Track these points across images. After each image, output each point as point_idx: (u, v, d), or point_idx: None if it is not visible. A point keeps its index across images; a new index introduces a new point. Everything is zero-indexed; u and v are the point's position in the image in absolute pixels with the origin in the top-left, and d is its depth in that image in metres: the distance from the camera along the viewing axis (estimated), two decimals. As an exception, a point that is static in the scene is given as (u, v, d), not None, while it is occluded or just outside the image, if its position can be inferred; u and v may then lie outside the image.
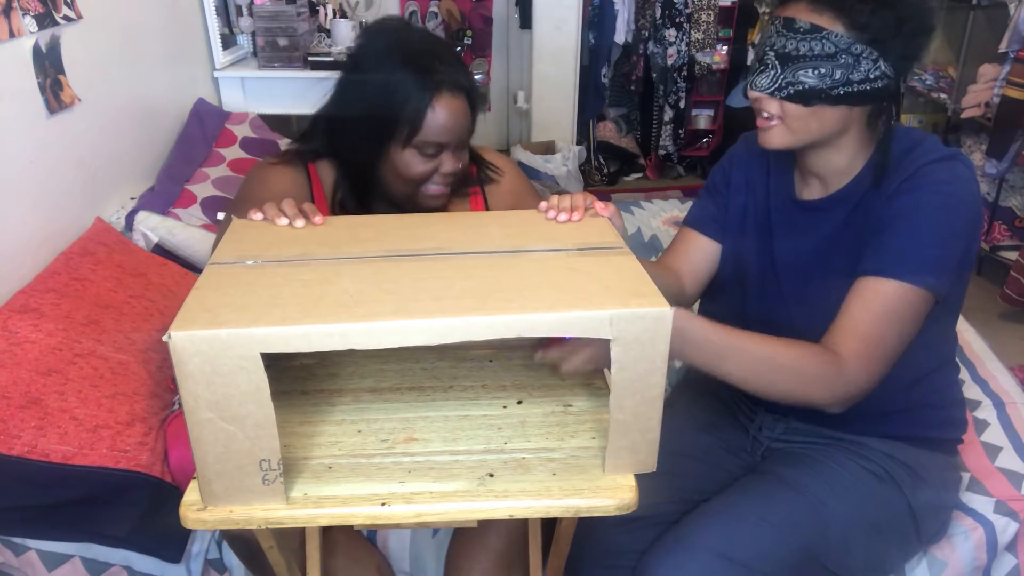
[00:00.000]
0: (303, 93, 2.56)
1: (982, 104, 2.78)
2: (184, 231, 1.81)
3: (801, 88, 0.98)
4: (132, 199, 1.94)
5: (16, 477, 1.14)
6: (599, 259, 0.81)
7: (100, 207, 1.82)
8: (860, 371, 0.97)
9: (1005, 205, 2.90)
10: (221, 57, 2.53)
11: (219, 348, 0.66)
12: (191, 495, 0.76)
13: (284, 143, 2.36)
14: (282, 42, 2.54)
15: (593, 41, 3.51)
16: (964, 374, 1.50)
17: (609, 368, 0.80)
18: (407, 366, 0.97)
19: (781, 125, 1.02)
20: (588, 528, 1.08)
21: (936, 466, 1.13)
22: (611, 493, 0.77)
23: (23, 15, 1.52)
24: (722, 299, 1.20)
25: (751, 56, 3.58)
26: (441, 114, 1.07)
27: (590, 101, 3.61)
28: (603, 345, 0.75)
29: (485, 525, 1.13)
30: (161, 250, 1.79)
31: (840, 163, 1.06)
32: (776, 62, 0.99)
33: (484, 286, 0.75)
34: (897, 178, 1.00)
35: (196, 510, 0.75)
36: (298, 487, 0.77)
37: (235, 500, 0.74)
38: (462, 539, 1.17)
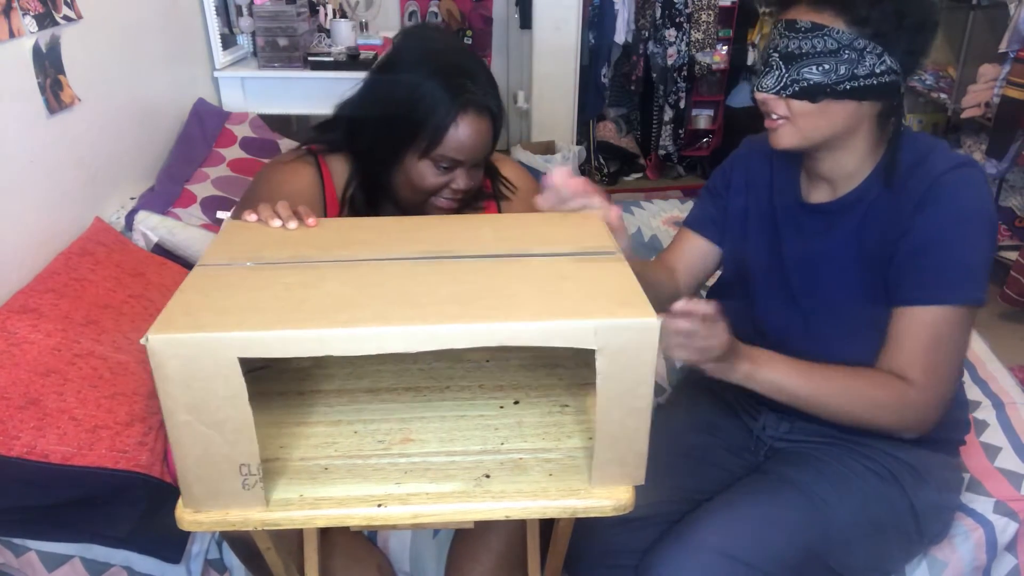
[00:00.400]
0: (303, 93, 2.57)
1: (982, 104, 2.77)
2: (184, 231, 1.82)
3: (806, 84, 0.98)
4: (132, 199, 1.94)
5: (15, 478, 1.14)
6: (590, 265, 0.81)
7: (100, 207, 1.82)
8: (928, 403, 1.01)
9: (1005, 205, 2.90)
10: (221, 57, 2.53)
11: (196, 352, 0.66)
12: (187, 496, 0.76)
13: (284, 143, 2.36)
14: (282, 42, 2.54)
15: (593, 41, 3.51)
16: (964, 375, 1.50)
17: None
18: (404, 367, 0.97)
19: (789, 124, 1.02)
20: (589, 527, 1.08)
21: (938, 466, 1.13)
22: (607, 493, 0.76)
23: (23, 15, 1.52)
24: (728, 302, 1.20)
25: (751, 56, 3.58)
26: (463, 132, 1.07)
27: (590, 101, 3.61)
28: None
29: (487, 526, 1.13)
30: (161, 250, 1.79)
31: (849, 165, 1.06)
32: (780, 62, 1.00)
33: (469, 292, 0.74)
34: (915, 188, 1.00)
35: (192, 512, 0.75)
36: (294, 488, 0.77)
37: (215, 504, 0.74)
38: (463, 540, 1.17)
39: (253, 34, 2.67)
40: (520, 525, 1.12)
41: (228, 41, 2.64)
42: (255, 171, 1.68)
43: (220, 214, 1.94)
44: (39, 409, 1.19)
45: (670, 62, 3.53)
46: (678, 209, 2.40)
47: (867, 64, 0.96)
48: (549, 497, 0.76)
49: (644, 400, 0.73)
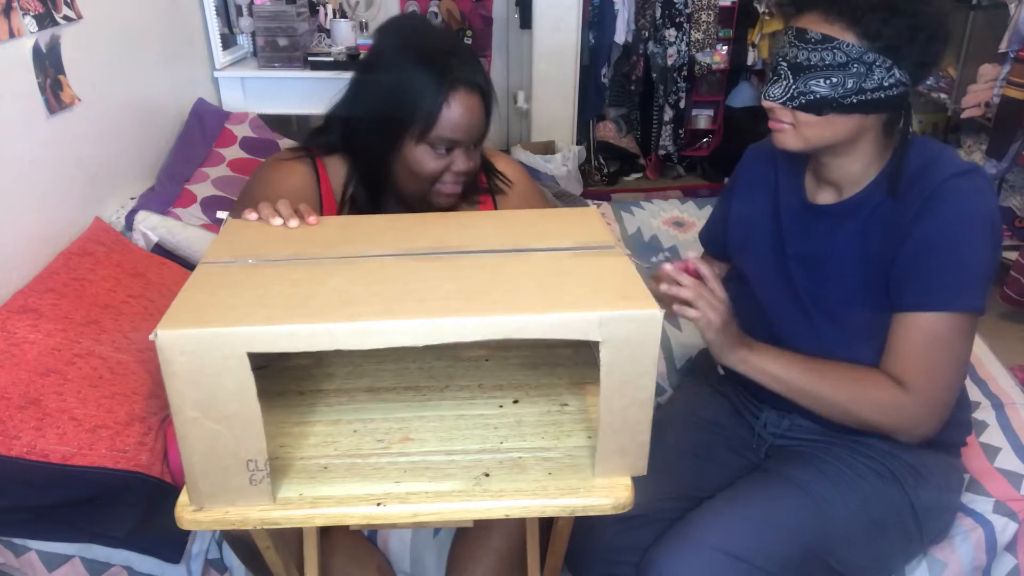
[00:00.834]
0: (303, 93, 2.57)
1: (982, 104, 2.77)
2: (184, 231, 1.82)
3: (813, 98, 0.98)
4: (132, 199, 1.94)
5: (15, 478, 1.14)
6: (591, 260, 0.81)
7: (100, 207, 1.82)
8: (923, 409, 1.02)
9: (1005, 205, 2.90)
10: (221, 57, 2.53)
11: (205, 347, 0.66)
12: (187, 496, 0.76)
13: (284, 143, 2.36)
14: (282, 42, 2.54)
15: (593, 41, 3.51)
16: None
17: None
18: (403, 366, 0.97)
19: (794, 130, 1.02)
20: (589, 525, 1.09)
21: (939, 467, 1.14)
22: (607, 492, 0.77)
23: (23, 15, 1.52)
24: (737, 308, 1.20)
25: (751, 56, 3.58)
26: (456, 111, 1.07)
27: (590, 101, 3.61)
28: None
29: (487, 526, 1.13)
30: (161, 250, 1.79)
31: (855, 170, 1.06)
32: (788, 72, 1.00)
33: (473, 287, 0.75)
34: (919, 193, 1.00)
35: (192, 511, 0.75)
36: (294, 487, 0.77)
37: (222, 500, 0.74)
38: (464, 539, 1.17)
39: (253, 34, 2.67)
40: (520, 524, 1.12)
41: (228, 41, 2.64)
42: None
43: (220, 214, 1.94)
44: (39, 409, 1.19)
45: (670, 62, 3.53)
46: (678, 209, 2.40)
47: (875, 78, 0.96)
48: (548, 496, 0.76)
49: (647, 391, 0.73)
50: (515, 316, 0.69)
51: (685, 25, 3.46)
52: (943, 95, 3.11)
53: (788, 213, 1.14)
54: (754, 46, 3.55)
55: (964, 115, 2.87)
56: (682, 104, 3.66)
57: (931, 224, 0.99)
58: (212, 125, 2.30)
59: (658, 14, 3.45)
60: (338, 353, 0.68)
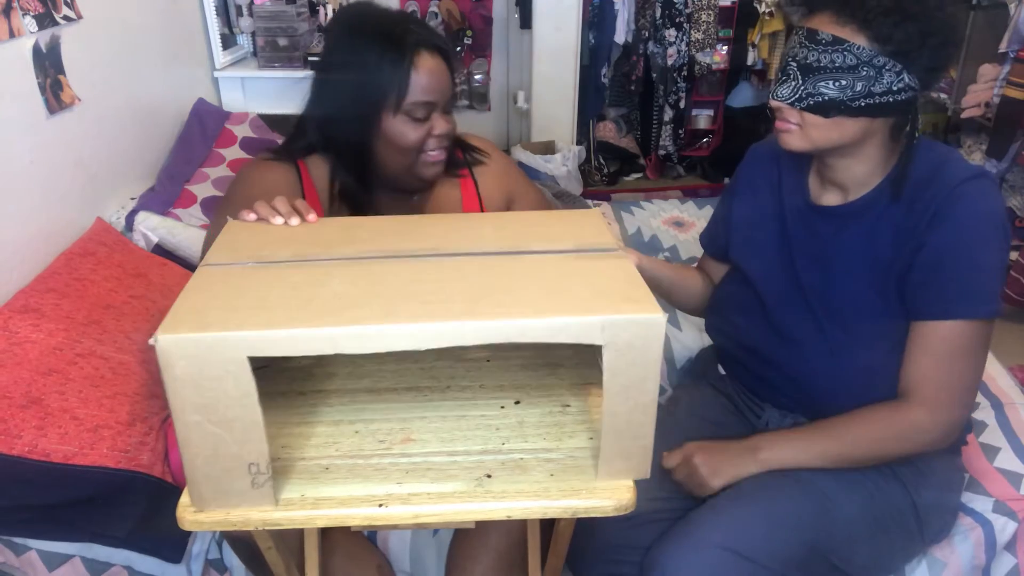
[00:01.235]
0: (303, 93, 2.57)
1: (982, 104, 2.77)
2: (184, 231, 1.82)
3: (821, 100, 0.98)
4: (132, 199, 1.94)
5: (17, 477, 1.14)
6: (593, 262, 0.81)
7: (100, 207, 1.82)
8: (940, 420, 1.03)
9: (1006, 206, 2.90)
10: (221, 57, 2.53)
11: (206, 351, 0.66)
12: (188, 496, 0.75)
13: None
14: (282, 42, 2.54)
15: (593, 41, 3.50)
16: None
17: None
18: (405, 366, 0.97)
19: (800, 131, 1.02)
20: (591, 525, 1.09)
21: (941, 466, 1.14)
22: (609, 494, 0.76)
23: (23, 15, 1.52)
24: (740, 309, 1.20)
25: (751, 56, 3.57)
26: (424, 72, 1.08)
27: (590, 101, 3.60)
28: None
29: (487, 525, 1.13)
30: (161, 250, 1.79)
31: (860, 172, 1.06)
32: (797, 73, 1.00)
33: (475, 289, 0.75)
34: (930, 200, 1.00)
35: (193, 511, 0.75)
36: (295, 488, 0.77)
37: (224, 503, 0.74)
38: (463, 539, 1.17)
39: (253, 34, 2.67)
40: (520, 524, 1.12)
41: (228, 41, 2.64)
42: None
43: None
44: (41, 408, 1.19)
45: (670, 62, 3.53)
46: (678, 209, 2.40)
47: (885, 81, 0.96)
48: (550, 497, 0.76)
49: (650, 394, 0.73)
50: (518, 320, 0.69)
51: (685, 25, 3.46)
52: (943, 95, 3.11)
53: (792, 214, 1.14)
54: (754, 46, 3.55)
55: (964, 115, 2.87)
56: (682, 104, 3.66)
57: (945, 232, 0.99)
58: (212, 125, 2.30)
59: (658, 14, 3.45)
60: (339, 353, 0.68)
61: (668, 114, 3.68)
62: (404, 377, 0.95)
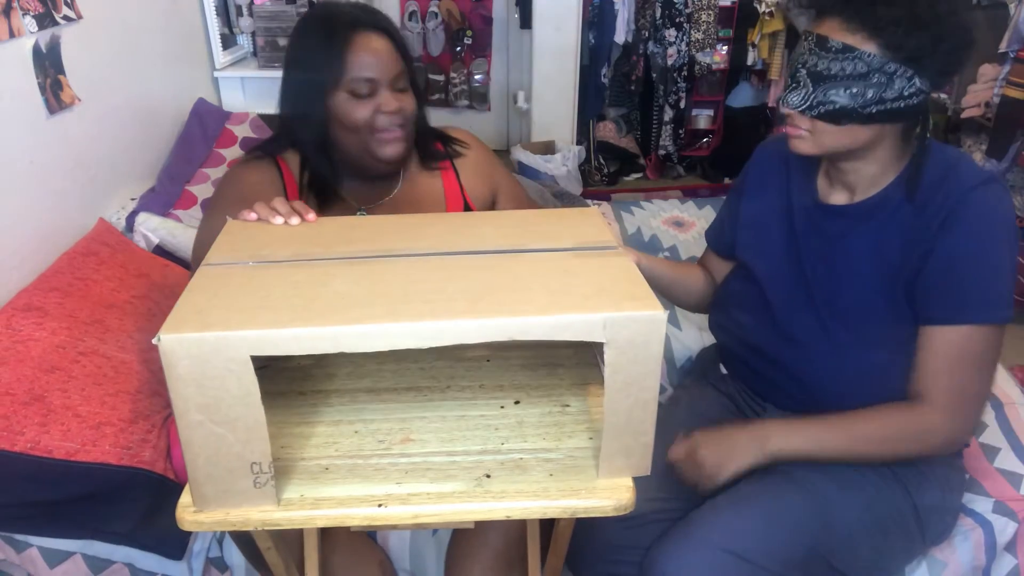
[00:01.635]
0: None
1: (982, 104, 2.77)
2: (185, 233, 1.82)
3: (832, 108, 0.98)
4: (132, 199, 1.94)
5: (19, 473, 1.15)
6: (593, 260, 0.81)
7: (100, 207, 1.82)
8: (950, 425, 1.03)
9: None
10: (221, 57, 2.53)
11: (208, 351, 0.66)
12: (188, 496, 0.76)
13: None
14: (282, 42, 2.54)
15: (593, 41, 3.50)
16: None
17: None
18: (404, 366, 0.97)
19: (811, 136, 1.02)
20: (590, 525, 1.09)
21: (942, 468, 1.14)
22: (608, 494, 0.77)
23: (23, 15, 1.53)
24: (745, 307, 1.20)
25: (751, 56, 3.57)
26: (360, 50, 1.11)
27: (590, 101, 3.60)
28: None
29: (485, 524, 1.13)
30: (162, 251, 1.79)
31: (870, 173, 1.06)
32: (808, 80, 0.99)
33: (476, 288, 0.75)
34: (941, 204, 1.00)
35: (193, 511, 0.75)
36: (295, 488, 0.77)
37: (226, 503, 0.74)
38: (462, 537, 1.17)
39: (253, 34, 2.67)
40: (519, 522, 1.12)
41: (228, 41, 2.64)
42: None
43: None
44: (44, 405, 1.20)
45: (670, 62, 3.53)
46: (678, 209, 2.40)
47: (896, 87, 0.96)
48: (550, 497, 0.76)
49: (651, 391, 0.73)
50: (520, 318, 0.69)
51: (685, 25, 3.46)
52: (943, 95, 3.11)
53: (800, 213, 1.14)
54: (754, 46, 3.55)
55: (964, 115, 2.86)
56: (682, 104, 3.66)
57: (958, 236, 0.98)
58: (212, 125, 2.30)
59: (658, 14, 3.45)
60: (339, 353, 0.68)
61: (668, 114, 3.68)
62: (404, 377, 0.95)
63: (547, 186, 2.50)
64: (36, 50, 1.56)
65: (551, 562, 1.03)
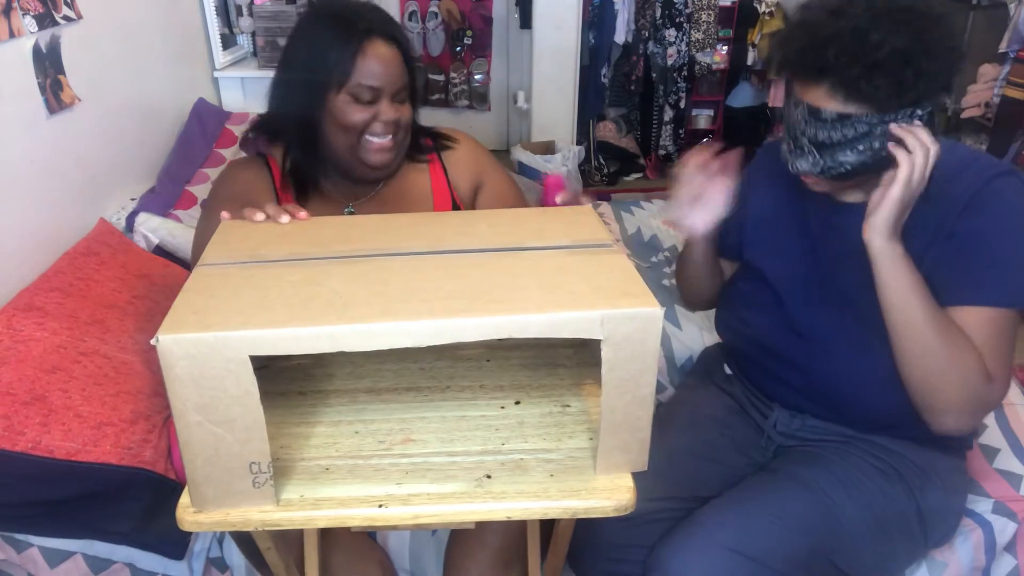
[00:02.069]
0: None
1: (982, 104, 2.78)
2: (185, 233, 1.82)
3: (845, 169, 0.97)
4: (132, 199, 1.94)
5: (20, 473, 1.15)
6: (589, 258, 0.81)
7: (100, 207, 1.82)
8: (999, 393, 0.99)
9: None
10: (221, 57, 2.53)
11: (207, 351, 0.66)
12: (188, 497, 0.76)
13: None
14: (282, 42, 2.54)
15: (593, 41, 3.50)
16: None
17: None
18: (404, 366, 0.97)
19: (826, 181, 1.01)
20: (591, 522, 1.08)
21: (946, 469, 1.13)
22: (609, 494, 0.77)
23: (23, 15, 1.53)
24: (754, 307, 1.19)
25: (751, 56, 3.57)
26: (371, 58, 1.11)
27: (590, 101, 3.60)
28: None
29: (484, 524, 1.13)
30: (162, 252, 1.79)
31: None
32: (812, 149, 0.97)
33: (474, 286, 0.75)
34: (961, 191, 0.99)
35: (192, 512, 0.75)
36: (295, 489, 0.77)
37: (225, 503, 0.74)
38: (461, 537, 1.17)
39: (253, 34, 2.67)
40: (519, 522, 1.12)
41: (228, 41, 2.64)
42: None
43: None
44: (45, 405, 1.20)
45: (670, 62, 3.53)
46: (678, 209, 2.40)
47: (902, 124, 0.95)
48: (550, 498, 0.76)
49: (648, 388, 0.74)
50: (517, 316, 0.69)
51: (685, 25, 3.46)
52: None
53: (815, 211, 1.12)
54: (754, 46, 3.55)
55: (964, 115, 2.87)
56: (682, 104, 3.66)
57: (980, 222, 0.97)
58: (212, 125, 2.30)
59: (658, 14, 3.45)
60: (339, 353, 0.68)
61: (668, 114, 3.68)
62: (404, 377, 0.95)
63: (547, 186, 2.50)
64: (36, 50, 1.56)
65: (551, 562, 1.03)
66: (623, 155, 3.91)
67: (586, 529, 1.09)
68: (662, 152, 3.79)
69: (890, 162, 0.94)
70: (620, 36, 3.48)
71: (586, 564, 1.15)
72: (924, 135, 0.92)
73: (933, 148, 0.92)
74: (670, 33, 3.47)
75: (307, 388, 0.93)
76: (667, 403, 1.36)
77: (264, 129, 1.23)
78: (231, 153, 2.24)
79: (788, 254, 1.15)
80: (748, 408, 1.26)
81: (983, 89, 2.78)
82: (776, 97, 3.51)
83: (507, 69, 3.88)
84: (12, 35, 1.49)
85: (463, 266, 0.80)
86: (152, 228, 1.79)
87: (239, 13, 2.69)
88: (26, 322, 1.30)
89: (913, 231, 1.02)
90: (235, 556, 1.30)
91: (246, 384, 0.68)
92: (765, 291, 1.17)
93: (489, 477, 0.78)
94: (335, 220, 0.97)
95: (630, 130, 3.98)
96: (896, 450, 1.11)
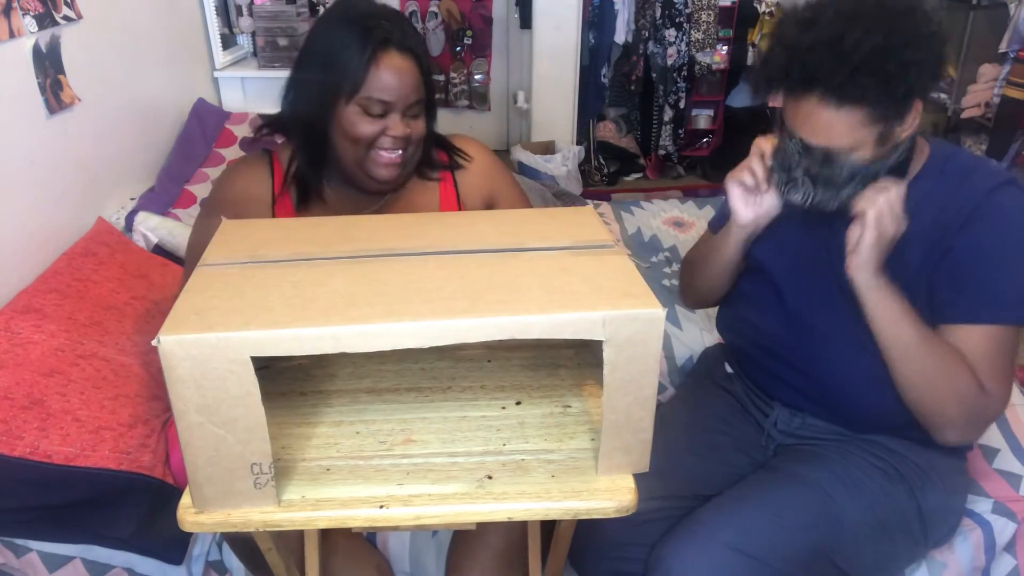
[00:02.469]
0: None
1: (982, 104, 2.78)
2: (184, 232, 1.82)
3: (846, 196, 0.99)
4: (132, 199, 1.94)
5: (18, 478, 1.14)
6: (591, 259, 0.81)
7: (100, 207, 1.82)
8: (997, 407, 1.00)
9: None
10: (221, 57, 2.53)
11: (208, 352, 0.66)
12: (188, 498, 0.75)
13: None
14: (282, 42, 2.54)
15: (593, 41, 3.50)
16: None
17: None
18: (405, 366, 0.97)
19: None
20: (593, 522, 1.08)
21: (947, 469, 1.14)
22: (610, 495, 0.76)
23: (23, 15, 1.52)
24: (756, 306, 1.19)
25: (751, 56, 3.57)
26: (385, 70, 1.06)
27: (590, 101, 3.60)
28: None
29: (486, 525, 1.13)
30: (161, 251, 1.79)
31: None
32: (808, 182, 1.00)
33: (476, 287, 0.75)
34: (962, 203, 0.99)
35: (194, 513, 0.75)
36: (296, 489, 0.77)
37: (226, 504, 0.74)
38: (463, 538, 1.17)
39: (253, 34, 2.67)
40: (520, 523, 1.12)
41: (228, 41, 2.64)
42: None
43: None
44: (43, 410, 1.19)
45: (670, 62, 3.53)
46: (678, 209, 2.40)
47: (893, 140, 0.96)
48: (552, 498, 0.76)
49: (649, 389, 0.74)
50: (520, 316, 0.69)
51: (685, 25, 3.46)
52: (943, 95, 3.11)
53: (820, 213, 1.13)
54: (754, 46, 3.55)
55: (964, 115, 2.87)
56: (682, 104, 3.66)
57: (977, 236, 0.98)
58: (212, 125, 2.30)
59: (658, 14, 3.45)
60: (340, 353, 0.68)
61: (668, 114, 3.68)
62: (405, 378, 0.95)
63: (547, 186, 2.50)
64: (36, 50, 1.56)
65: (552, 563, 1.03)
66: (623, 155, 3.91)
67: (587, 528, 1.09)
68: (662, 152, 3.79)
69: (885, 171, 0.96)
70: (620, 36, 3.48)
71: (587, 563, 1.15)
72: (875, 187, 0.95)
73: (894, 189, 0.94)
74: (670, 33, 3.46)
75: (308, 388, 0.93)
76: (668, 403, 1.36)
77: (274, 128, 1.21)
78: (231, 153, 2.24)
79: (793, 254, 1.15)
80: (749, 407, 1.26)
81: (983, 89, 2.78)
82: (776, 97, 3.50)
83: (507, 69, 3.88)
84: (12, 35, 1.49)
85: (465, 267, 0.80)
86: (151, 227, 1.79)
87: (239, 13, 2.69)
88: (24, 324, 1.30)
89: (914, 237, 1.02)
90: (234, 559, 1.29)
91: (247, 385, 0.68)
92: (767, 290, 1.17)
93: (490, 478, 0.78)
94: (336, 220, 0.97)
95: (630, 130, 3.98)
96: (897, 450, 1.11)
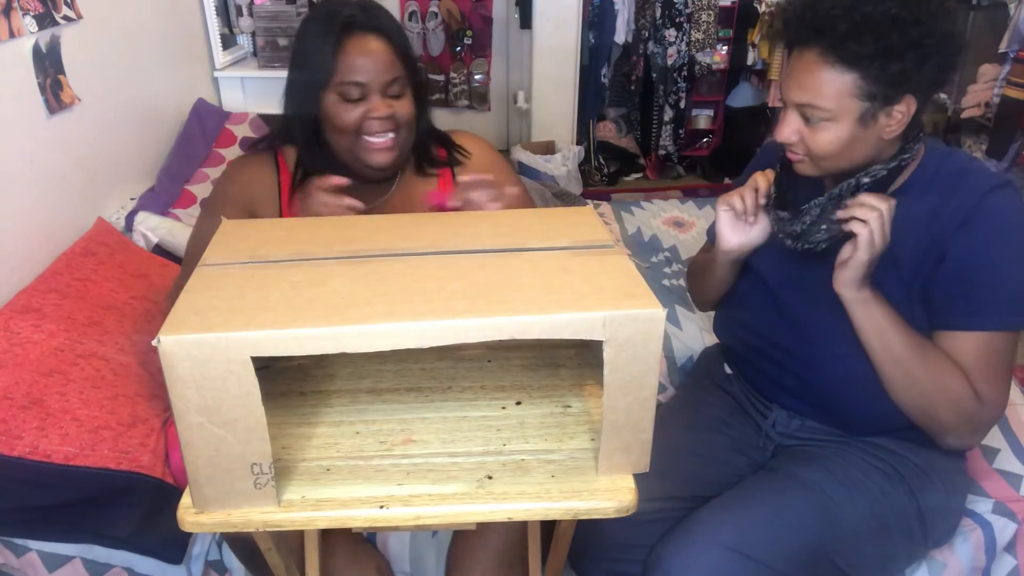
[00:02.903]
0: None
1: (982, 104, 2.77)
2: (184, 232, 1.82)
3: (837, 233, 1.00)
4: (132, 199, 1.94)
5: (18, 478, 1.14)
6: (591, 259, 0.81)
7: (100, 207, 1.82)
8: (994, 412, 1.01)
9: None
10: (221, 57, 2.53)
11: (208, 352, 0.66)
12: (189, 498, 0.75)
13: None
14: (282, 42, 2.54)
15: (593, 41, 3.50)
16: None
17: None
18: (405, 366, 0.97)
19: (811, 161, 1.02)
20: (592, 522, 1.08)
21: (947, 469, 1.14)
22: (610, 495, 0.76)
23: (23, 15, 1.52)
24: (751, 308, 1.19)
25: (751, 56, 3.57)
26: (353, 53, 1.08)
27: (590, 101, 3.60)
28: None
29: (486, 525, 1.13)
30: (161, 251, 1.79)
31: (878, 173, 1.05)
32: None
33: (476, 287, 0.75)
34: (957, 206, 0.99)
35: (194, 513, 0.75)
36: (296, 489, 0.77)
37: (226, 504, 0.74)
38: (463, 538, 1.17)
39: (253, 34, 2.67)
40: (520, 523, 1.12)
41: (228, 41, 2.64)
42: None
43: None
44: (42, 409, 1.19)
45: (670, 62, 3.53)
46: (678, 209, 2.40)
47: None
48: (552, 499, 0.76)
49: (649, 389, 0.74)
50: (520, 317, 0.69)
51: (685, 25, 3.45)
52: (943, 95, 3.11)
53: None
54: (754, 46, 3.55)
55: (964, 115, 2.87)
56: (682, 104, 3.66)
57: (972, 242, 0.98)
58: (212, 125, 2.30)
59: (658, 14, 3.45)
60: (340, 353, 0.68)
61: (668, 114, 3.68)
62: (405, 378, 0.95)
63: (547, 186, 2.50)
64: (36, 50, 1.56)
65: (552, 563, 1.03)
66: (623, 155, 3.91)
67: (587, 529, 1.09)
68: (662, 152, 3.79)
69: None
70: (620, 36, 3.48)
71: (587, 564, 1.15)
72: (871, 199, 0.96)
73: (885, 206, 0.95)
74: (670, 33, 3.46)
75: (308, 389, 0.93)
76: (667, 403, 1.36)
77: (281, 134, 1.22)
78: (231, 153, 2.24)
79: (784, 253, 1.15)
80: (748, 408, 1.26)
81: (983, 89, 2.78)
82: (776, 97, 3.51)
83: (507, 69, 3.88)
84: (12, 35, 1.49)
85: (465, 267, 0.80)
86: (151, 227, 1.79)
87: (239, 13, 2.68)
88: (23, 324, 1.30)
89: (906, 236, 1.02)
90: (234, 559, 1.29)
91: (248, 385, 0.68)
92: (762, 293, 1.17)
93: (490, 478, 0.78)
94: (338, 220, 0.97)
95: (630, 130, 3.98)
96: (896, 450, 1.11)
